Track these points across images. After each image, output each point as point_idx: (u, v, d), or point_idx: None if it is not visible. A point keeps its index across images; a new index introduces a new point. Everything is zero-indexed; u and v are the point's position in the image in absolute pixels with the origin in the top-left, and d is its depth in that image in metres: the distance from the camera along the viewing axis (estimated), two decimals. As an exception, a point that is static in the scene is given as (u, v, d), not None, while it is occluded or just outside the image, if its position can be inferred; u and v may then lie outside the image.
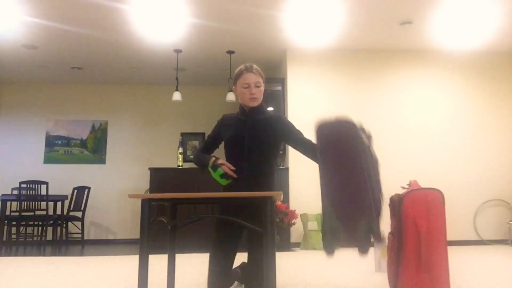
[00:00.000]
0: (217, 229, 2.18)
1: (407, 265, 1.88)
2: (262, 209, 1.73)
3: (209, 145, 2.35)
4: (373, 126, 6.13)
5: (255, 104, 2.22)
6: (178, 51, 6.27)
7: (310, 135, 2.05)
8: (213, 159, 2.14)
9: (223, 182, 2.10)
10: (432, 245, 1.89)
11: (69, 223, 6.84)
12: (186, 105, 7.93)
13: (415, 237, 1.89)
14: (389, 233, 2.15)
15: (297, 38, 5.88)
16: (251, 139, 2.19)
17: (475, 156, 6.16)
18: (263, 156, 2.20)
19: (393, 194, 2.16)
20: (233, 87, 2.30)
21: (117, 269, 3.54)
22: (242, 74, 2.20)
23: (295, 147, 2.24)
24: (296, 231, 5.79)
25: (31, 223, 6.27)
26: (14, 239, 6.18)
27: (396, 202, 2.03)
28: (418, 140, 6.13)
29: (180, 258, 4.41)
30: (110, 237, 7.46)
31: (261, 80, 2.22)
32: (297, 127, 2.29)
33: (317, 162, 1.96)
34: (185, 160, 7.85)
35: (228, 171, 2.07)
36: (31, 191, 5.97)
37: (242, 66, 2.24)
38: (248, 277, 2.17)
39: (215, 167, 2.09)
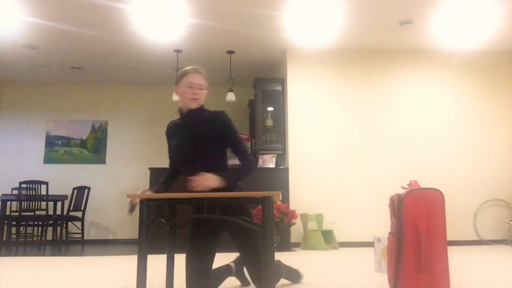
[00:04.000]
0: (192, 229, 2.15)
1: (407, 265, 1.89)
2: (262, 209, 1.73)
3: (173, 163, 2.29)
4: (373, 126, 6.14)
5: (194, 105, 2.14)
6: (178, 51, 6.27)
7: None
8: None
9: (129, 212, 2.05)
10: (432, 245, 1.89)
11: (69, 223, 6.84)
12: (186, 105, 7.92)
13: (415, 237, 1.90)
14: (389, 233, 2.15)
15: (297, 38, 5.88)
16: (193, 141, 2.11)
17: (475, 156, 6.15)
18: (210, 156, 2.11)
19: (393, 194, 2.16)
20: (175, 86, 2.21)
21: (117, 269, 3.54)
22: (187, 74, 2.16)
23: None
24: (296, 231, 5.78)
25: (31, 223, 6.27)
26: (14, 239, 6.18)
27: (396, 202, 2.03)
28: (418, 140, 6.13)
29: (179, 258, 4.41)
30: (110, 237, 7.46)
31: (205, 84, 2.18)
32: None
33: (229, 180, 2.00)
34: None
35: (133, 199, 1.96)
36: (31, 191, 5.97)
37: (189, 67, 2.20)
38: (249, 275, 2.15)
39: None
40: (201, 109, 2.19)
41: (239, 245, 2.10)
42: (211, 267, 2.16)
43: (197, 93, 2.13)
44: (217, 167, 2.06)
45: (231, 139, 2.12)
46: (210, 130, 2.11)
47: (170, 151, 2.28)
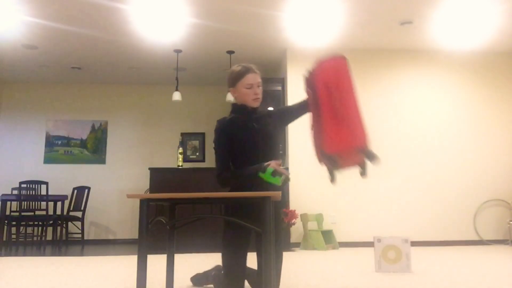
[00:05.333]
0: (227, 228, 2.14)
1: (327, 122, 2.00)
2: (261, 209, 1.73)
3: (228, 159, 2.14)
4: (373, 126, 6.15)
5: (258, 104, 2.19)
6: (178, 51, 6.27)
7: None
8: (263, 164, 2.03)
9: (276, 180, 1.95)
10: (344, 101, 2.03)
11: (69, 223, 6.84)
12: (186, 105, 7.93)
13: (329, 98, 2.03)
14: (310, 111, 2.22)
15: (297, 38, 5.88)
16: (263, 140, 2.17)
17: (475, 156, 6.15)
18: (275, 154, 2.21)
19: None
20: (231, 88, 2.20)
21: (117, 269, 3.54)
22: (244, 75, 2.15)
23: (292, 115, 2.31)
24: (296, 231, 5.78)
25: (31, 223, 6.27)
26: (14, 239, 6.18)
27: (308, 75, 2.16)
28: (417, 140, 6.13)
29: (179, 258, 4.41)
30: (110, 237, 7.46)
31: (261, 80, 2.21)
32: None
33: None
34: (185, 160, 7.84)
35: (276, 167, 1.97)
36: (31, 191, 5.98)
37: (240, 67, 2.18)
38: (258, 279, 2.16)
39: (264, 169, 1.99)
40: (260, 107, 2.29)
41: (258, 247, 2.11)
42: (246, 264, 2.17)
43: (257, 92, 2.17)
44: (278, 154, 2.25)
45: (282, 109, 2.33)
46: (275, 124, 2.24)
47: (233, 147, 2.15)
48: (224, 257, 2.09)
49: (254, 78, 2.16)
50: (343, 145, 1.94)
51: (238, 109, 2.22)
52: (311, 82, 2.11)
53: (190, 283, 2.74)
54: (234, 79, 2.18)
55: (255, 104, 2.18)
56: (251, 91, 2.15)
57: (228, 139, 2.14)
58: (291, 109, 2.31)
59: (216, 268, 2.57)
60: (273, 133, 2.22)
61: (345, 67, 2.11)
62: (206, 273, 2.64)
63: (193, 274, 2.75)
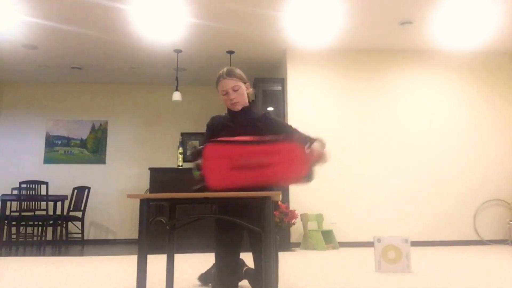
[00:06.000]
0: (217, 228, 2.17)
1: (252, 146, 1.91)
2: (261, 209, 1.73)
3: None
4: (373, 126, 6.14)
5: (238, 108, 2.21)
6: (178, 51, 6.27)
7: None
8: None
9: (194, 174, 2.01)
10: (280, 155, 1.85)
11: (69, 223, 6.83)
12: (186, 105, 7.93)
13: (282, 147, 1.87)
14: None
15: (297, 38, 5.88)
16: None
17: (475, 156, 6.15)
18: None
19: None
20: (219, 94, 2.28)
21: (117, 269, 3.54)
22: (219, 82, 2.21)
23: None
24: (296, 231, 5.78)
25: (31, 223, 6.27)
26: (14, 239, 6.18)
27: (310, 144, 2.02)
28: (417, 140, 6.13)
29: (179, 258, 4.41)
30: (110, 237, 7.46)
31: (239, 83, 2.20)
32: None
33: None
34: (185, 160, 7.84)
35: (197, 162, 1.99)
36: (31, 191, 5.98)
37: (220, 72, 2.22)
38: (255, 278, 2.17)
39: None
40: (249, 111, 2.23)
41: (252, 247, 2.12)
42: (238, 262, 2.19)
43: (233, 97, 2.18)
44: None
45: (284, 129, 2.18)
46: (259, 132, 2.15)
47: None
48: (216, 256, 2.12)
49: (225, 84, 2.18)
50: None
51: (228, 111, 2.29)
52: (308, 143, 1.98)
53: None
54: (216, 86, 2.25)
55: (235, 109, 2.21)
56: (226, 98, 2.20)
57: (210, 136, 2.21)
58: (290, 136, 2.16)
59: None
60: (248, 135, 2.14)
61: (311, 155, 1.94)
62: (208, 271, 2.66)
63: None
